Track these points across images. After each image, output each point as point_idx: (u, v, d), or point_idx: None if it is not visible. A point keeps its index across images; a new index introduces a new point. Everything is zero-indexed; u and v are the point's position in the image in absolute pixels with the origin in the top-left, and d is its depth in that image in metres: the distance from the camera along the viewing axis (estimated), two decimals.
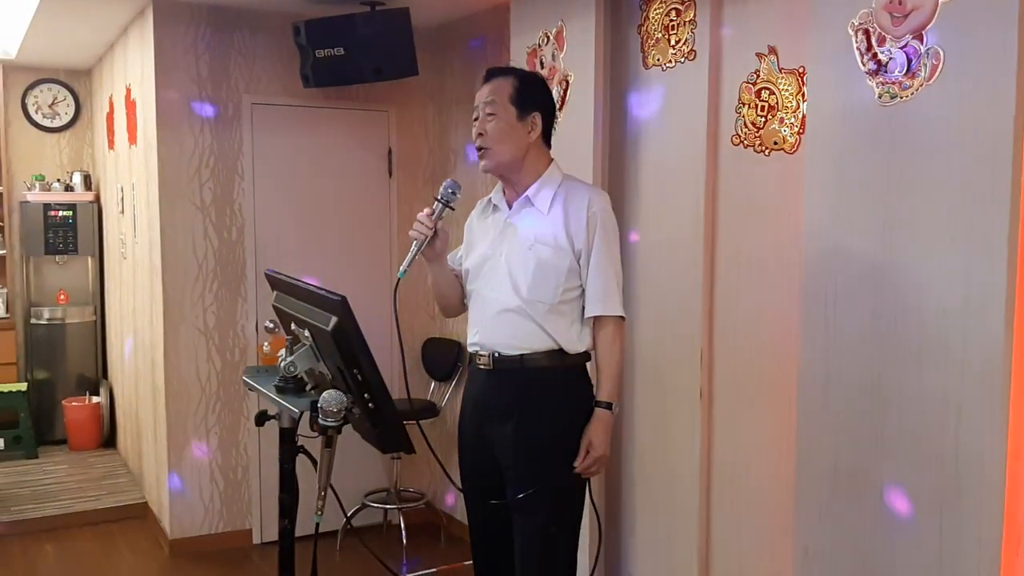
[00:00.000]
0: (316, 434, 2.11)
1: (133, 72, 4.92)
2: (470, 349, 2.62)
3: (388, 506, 4.79)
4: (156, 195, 4.47)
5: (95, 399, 6.20)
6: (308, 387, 2.24)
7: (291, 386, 2.19)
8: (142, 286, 4.97)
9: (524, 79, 2.54)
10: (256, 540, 4.69)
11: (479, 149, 2.52)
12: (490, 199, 2.67)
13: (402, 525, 4.60)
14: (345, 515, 2.15)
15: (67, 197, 6.31)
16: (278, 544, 2.34)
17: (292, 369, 2.17)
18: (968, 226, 2.27)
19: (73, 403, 6.14)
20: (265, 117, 4.62)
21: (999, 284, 2.21)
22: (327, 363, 2.15)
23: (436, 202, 2.51)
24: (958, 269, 2.29)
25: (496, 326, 2.52)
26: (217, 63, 4.50)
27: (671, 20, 3.29)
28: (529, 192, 2.54)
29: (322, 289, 2.08)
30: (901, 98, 2.42)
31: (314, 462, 2.21)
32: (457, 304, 2.71)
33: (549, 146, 2.61)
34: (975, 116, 2.24)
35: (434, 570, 4.27)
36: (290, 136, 4.69)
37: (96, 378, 6.37)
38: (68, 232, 6.23)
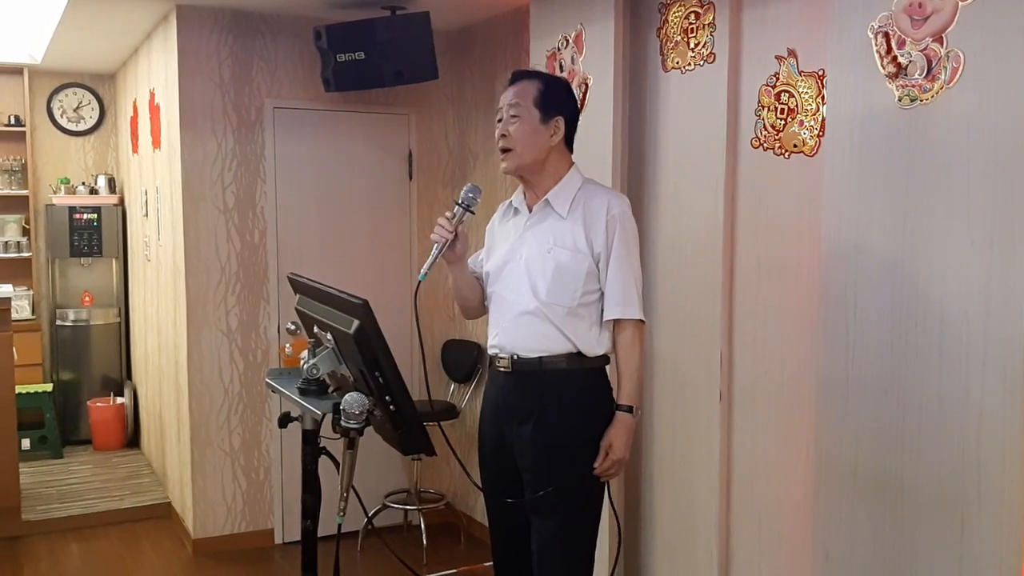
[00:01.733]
0: (338, 436, 2.13)
1: (157, 77, 4.98)
2: (490, 351, 2.64)
3: (408, 507, 4.82)
4: (180, 198, 4.52)
5: (119, 400, 6.27)
6: (330, 389, 2.27)
7: (314, 388, 2.22)
8: (166, 288, 5.02)
9: (549, 83, 2.56)
10: (278, 540, 4.73)
11: (502, 150, 2.54)
12: (511, 202, 2.69)
13: (422, 526, 4.63)
14: (367, 515, 2.18)
15: (92, 200, 6.39)
16: (301, 544, 2.36)
17: (315, 371, 2.20)
18: (989, 229, 2.27)
19: (98, 404, 6.21)
20: (286, 121, 4.67)
21: (1021, 287, 2.20)
22: (349, 366, 2.17)
23: (456, 206, 2.53)
24: (979, 272, 2.29)
25: (515, 328, 2.54)
26: (239, 68, 4.55)
27: (690, 23, 3.29)
28: (549, 196, 2.56)
29: (344, 292, 2.10)
30: (921, 101, 2.42)
31: (336, 464, 2.24)
32: (478, 307, 2.73)
33: (571, 150, 2.63)
34: (996, 119, 2.24)
35: (454, 571, 4.30)
36: (311, 139, 4.74)
37: (120, 379, 6.45)
38: (93, 235, 6.30)
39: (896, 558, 2.52)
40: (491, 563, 4.36)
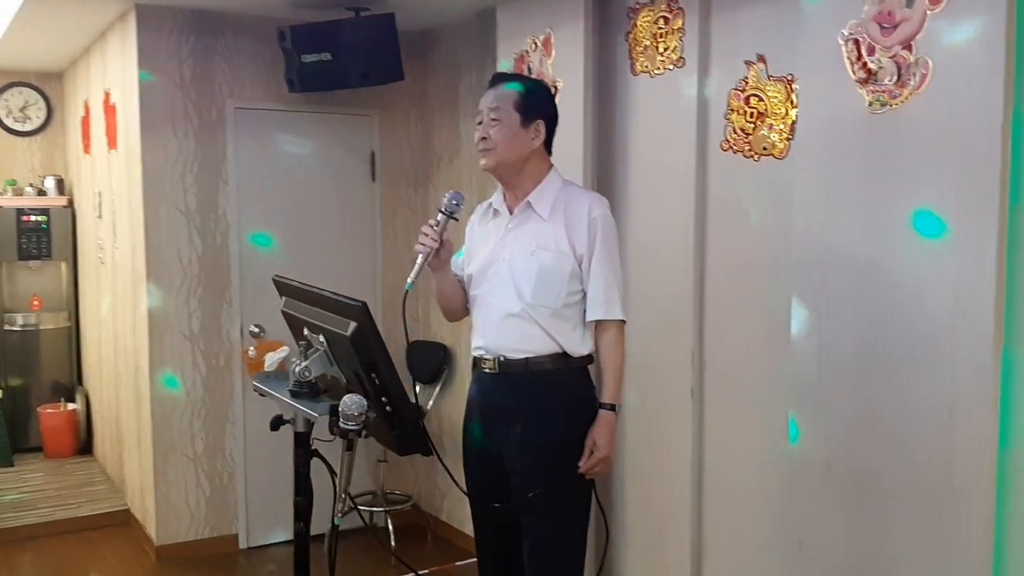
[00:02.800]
0: (332, 438, 2.14)
1: (113, 76, 4.89)
2: (474, 353, 2.66)
3: (375, 509, 4.81)
4: (140, 200, 4.45)
5: (71, 406, 6.14)
6: (320, 392, 2.27)
7: (306, 391, 2.22)
8: (124, 291, 4.94)
9: (530, 86, 2.59)
10: (242, 545, 4.69)
11: (482, 152, 2.56)
12: (491, 204, 2.71)
13: (390, 527, 4.62)
14: (357, 511, 2.22)
15: (40, 202, 6.24)
16: (293, 547, 2.36)
17: (307, 374, 2.20)
18: (958, 229, 2.36)
19: (48, 410, 6.07)
20: (248, 122, 4.62)
21: (989, 286, 2.30)
22: (342, 368, 2.18)
23: (440, 213, 2.53)
24: (949, 270, 2.38)
25: (501, 331, 2.56)
26: (200, 68, 4.50)
27: (659, 28, 3.36)
28: (530, 198, 2.59)
29: (339, 295, 2.11)
30: (891, 106, 2.51)
31: (328, 465, 2.25)
32: (460, 309, 2.75)
33: (550, 152, 2.66)
34: (964, 123, 2.33)
35: (426, 571, 4.30)
36: (274, 141, 4.70)
37: (71, 384, 6.31)
38: (42, 237, 6.16)
39: (869, 549, 2.61)
40: (460, 563, 4.40)
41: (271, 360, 4.69)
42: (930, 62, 2.41)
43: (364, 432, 2.06)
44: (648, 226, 3.43)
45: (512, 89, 2.56)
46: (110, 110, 4.99)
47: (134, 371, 4.77)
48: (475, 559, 4.14)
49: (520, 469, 2.55)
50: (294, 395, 2.22)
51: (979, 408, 2.33)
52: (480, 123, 2.58)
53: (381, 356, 2.02)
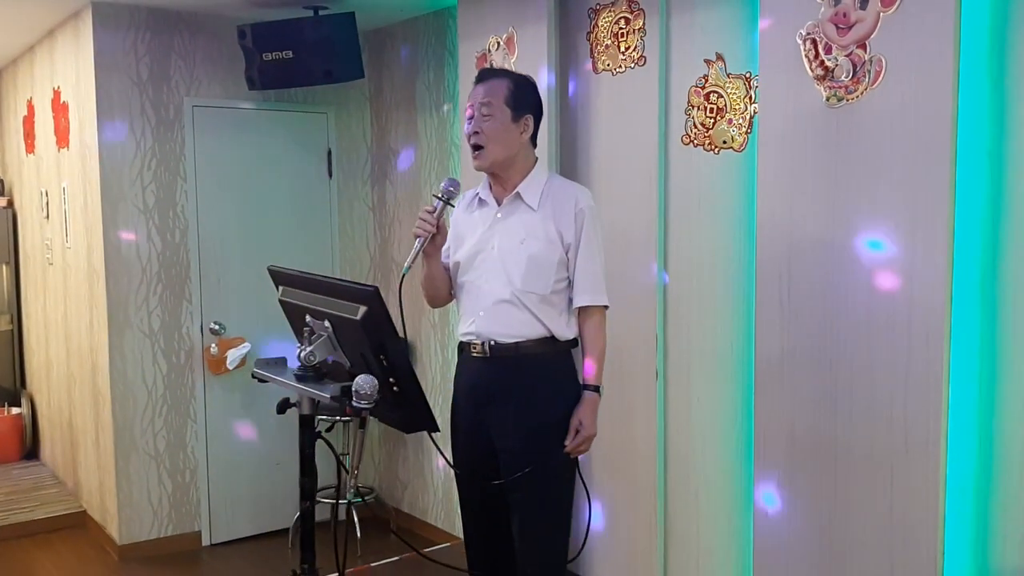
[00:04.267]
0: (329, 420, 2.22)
1: (64, 74, 4.84)
2: (463, 339, 2.76)
3: (340, 501, 4.86)
4: (97, 199, 4.43)
5: (15, 410, 6.02)
6: (323, 375, 2.36)
7: (311, 374, 2.30)
8: (77, 291, 4.89)
9: (519, 82, 2.70)
10: (205, 542, 4.70)
11: (475, 147, 2.67)
12: (477, 194, 2.82)
13: (356, 520, 4.69)
14: (358, 499, 2.29)
15: None
16: (300, 525, 2.43)
17: (312, 358, 2.28)
18: (911, 214, 2.57)
19: None
20: (206, 119, 4.64)
21: (940, 265, 2.51)
22: (346, 351, 2.27)
23: (437, 200, 2.63)
24: (903, 252, 2.59)
25: (493, 316, 2.67)
26: (157, 66, 4.50)
27: (620, 28, 3.51)
28: (520, 189, 2.70)
29: (349, 281, 2.20)
30: (848, 101, 2.71)
31: (332, 448, 2.34)
32: (446, 296, 2.86)
33: (535, 145, 2.79)
34: (916, 117, 2.54)
35: (396, 558, 4.39)
36: (231, 138, 4.72)
37: (15, 388, 6.19)
38: None
39: (832, 511, 2.81)
40: (427, 549, 4.48)
41: (233, 357, 4.75)
42: (884, 60, 2.61)
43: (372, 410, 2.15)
44: (613, 217, 3.58)
45: (501, 84, 2.66)
46: (60, 108, 4.93)
47: (91, 371, 4.73)
48: (440, 546, 4.27)
49: (510, 448, 2.66)
50: (300, 379, 2.30)
51: (931, 374, 2.53)
52: (471, 118, 2.68)
53: (390, 338, 2.12)
